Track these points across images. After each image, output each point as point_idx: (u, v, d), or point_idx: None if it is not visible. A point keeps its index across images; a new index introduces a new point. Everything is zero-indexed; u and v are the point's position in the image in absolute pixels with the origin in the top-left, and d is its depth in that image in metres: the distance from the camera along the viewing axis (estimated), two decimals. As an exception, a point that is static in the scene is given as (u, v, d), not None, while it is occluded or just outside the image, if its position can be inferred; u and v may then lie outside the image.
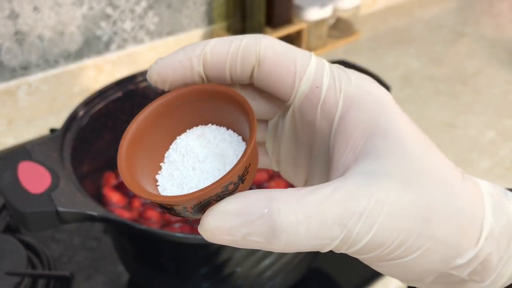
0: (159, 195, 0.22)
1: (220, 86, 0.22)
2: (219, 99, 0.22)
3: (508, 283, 0.21)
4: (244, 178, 0.20)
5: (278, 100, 0.24)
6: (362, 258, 0.21)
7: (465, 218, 0.20)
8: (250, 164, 0.20)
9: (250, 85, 0.23)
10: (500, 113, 0.90)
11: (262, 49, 0.22)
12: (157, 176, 0.23)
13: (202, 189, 0.19)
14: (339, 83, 0.21)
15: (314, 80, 0.21)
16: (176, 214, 0.21)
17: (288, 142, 0.24)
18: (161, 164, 0.23)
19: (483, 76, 1.02)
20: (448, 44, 1.15)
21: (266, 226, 0.18)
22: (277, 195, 0.19)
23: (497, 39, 1.17)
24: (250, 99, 0.23)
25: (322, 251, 0.20)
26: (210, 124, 0.23)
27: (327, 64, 0.22)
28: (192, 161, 0.22)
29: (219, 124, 0.23)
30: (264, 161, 0.26)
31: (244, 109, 0.21)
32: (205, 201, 0.20)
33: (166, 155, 0.23)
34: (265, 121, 0.25)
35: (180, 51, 0.22)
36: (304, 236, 0.19)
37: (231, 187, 0.20)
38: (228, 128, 0.23)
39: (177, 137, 0.23)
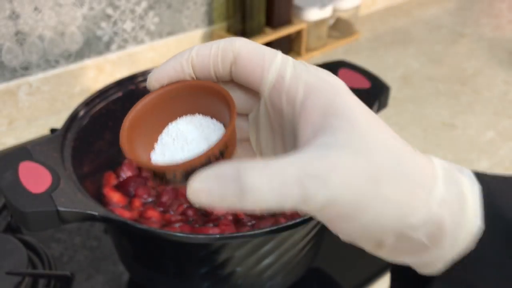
0: (154, 164, 0.27)
1: (208, 82, 0.27)
2: (206, 93, 0.27)
3: (466, 251, 0.24)
4: (224, 153, 0.25)
5: (255, 94, 0.28)
6: (324, 219, 0.23)
7: (414, 182, 0.23)
8: (229, 140, 0.26)
9: (231, 81, 0.28)
10: (499, 113, 0.91)
11: (237, 48, 0.26)
12: (151, 154, 0.27)
13: (190, 160, 0.24)
14: (300, 74, 0.26)
15: (280, 71, 0.26)
16: (167, 182, 0.26)
17: (266, 133, 0.28)
18: (155, 144, 0.28)
19: (482, 76, 1.02)
20: (447, 44, 1.15)
21: (236, 186, 0.22)
22: (247, 163, 0.23)
23: (497, 39, 1.17)
24: (231, 92, 0.28)
25: (286, 209, 0.22)
26: (197, 114, 0.28)
27: (291, 59, 0.26)
28: (181, 143, 0.27)
29: (205, 114, 0.28)
30: (250, 157, 0.30)
31: (226, 100, 0.26)
32: (192, 169, 0.24)
33: (159, 137, 0.28)
34: (246, 116, 0.30)
35: (171, 59, 0.27)
36: (268, 194, 0.22)
37: (213, 159, 0.25)
38: (212, 117, 0.28)
39: (169, 123, 0.28)
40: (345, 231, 0.24)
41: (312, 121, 0.24)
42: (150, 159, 0.27)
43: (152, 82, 0.27)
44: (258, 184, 0.22)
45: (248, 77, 0.26)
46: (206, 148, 0.26)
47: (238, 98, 0.28)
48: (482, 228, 0.23)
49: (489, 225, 0.24)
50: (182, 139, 0.27)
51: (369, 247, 0.25)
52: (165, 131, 0.28)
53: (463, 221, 0.23)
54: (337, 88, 0.25)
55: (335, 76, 0.26)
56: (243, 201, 0.22)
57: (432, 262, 0.24)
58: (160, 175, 0.25)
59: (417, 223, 0.23)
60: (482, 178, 0.25)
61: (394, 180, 0.22)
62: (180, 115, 0.28)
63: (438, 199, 0.23)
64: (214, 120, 0.28)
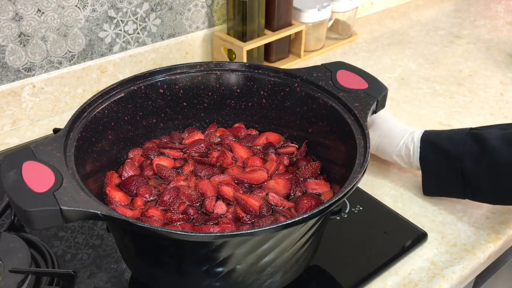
0: None
1: None
2: None
3: (417, 166, 0.69)
4: None
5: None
6: (373, 151, 0.74)
7: (396, 136, 0.70)
8: None
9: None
10: (495, 114, 0.92)
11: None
12: None
13: None
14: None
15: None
16: None
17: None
18: None
19: (479, 77, 1.03)
20: (444, 46, 1.16)
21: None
22: None
23: (493, 41, 1.18)
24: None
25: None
26: None
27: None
28: None
29: None
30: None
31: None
32: None
33: None
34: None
35: None
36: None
37: None
38: None
39: None
40: (379, 154, 0.73)
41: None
42: None
43: None
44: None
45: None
46: None
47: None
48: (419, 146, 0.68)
49: (425, 142, 0.68)
50: None
51: (393, 161, 0.71)
52: None
53: (414, 146, 0.68)
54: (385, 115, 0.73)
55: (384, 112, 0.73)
56: None
57: (415, 164, 0.68)
58: None
59: (399, 150, 0.69)
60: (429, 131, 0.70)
61: (388, 136, 0.71)
62: None
63: (404, 141, 0.69)
64: None
